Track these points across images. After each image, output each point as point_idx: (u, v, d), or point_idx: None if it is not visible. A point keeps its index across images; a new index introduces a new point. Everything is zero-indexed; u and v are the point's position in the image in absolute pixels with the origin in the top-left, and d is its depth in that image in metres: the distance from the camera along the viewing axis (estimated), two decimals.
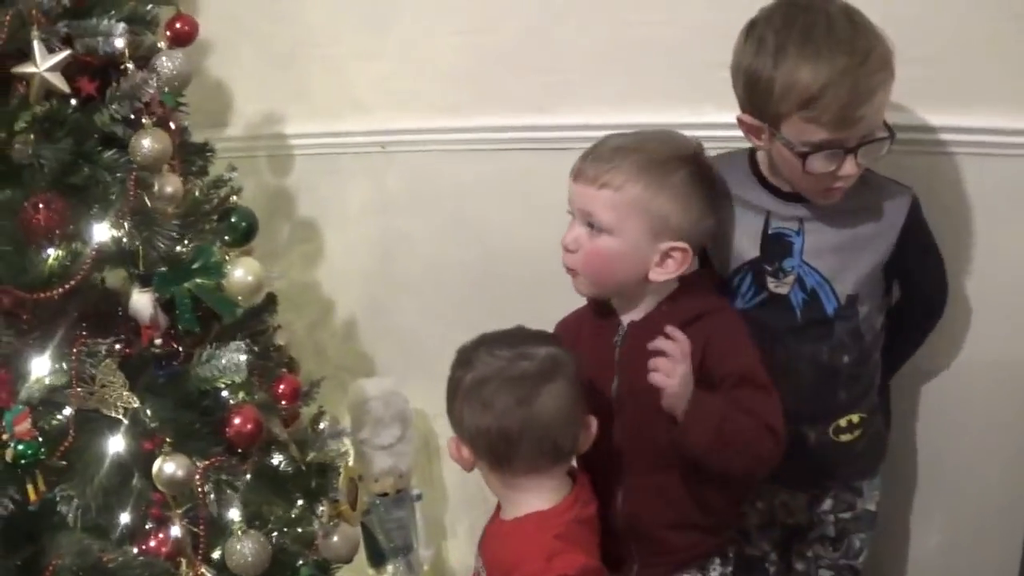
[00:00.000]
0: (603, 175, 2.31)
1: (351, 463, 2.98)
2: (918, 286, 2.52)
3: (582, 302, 2.52)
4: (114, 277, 2.49)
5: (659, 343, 2.26)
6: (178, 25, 2.60)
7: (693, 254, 2.36)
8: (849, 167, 2.24)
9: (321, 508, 2.79)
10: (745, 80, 2.27)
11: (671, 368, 2.22)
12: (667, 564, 2.48)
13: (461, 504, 3.29)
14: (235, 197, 2.65)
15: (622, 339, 2.43)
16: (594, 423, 2.30)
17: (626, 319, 2.44)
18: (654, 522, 2.46)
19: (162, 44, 2.52)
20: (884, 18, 2.21)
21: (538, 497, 2.29)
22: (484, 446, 2.27)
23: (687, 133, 2.43)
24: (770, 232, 2.42)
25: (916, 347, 2.63)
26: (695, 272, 2.44)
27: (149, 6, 2.56)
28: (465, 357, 2.29)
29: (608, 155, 2.34)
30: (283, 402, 2.73)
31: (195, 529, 2.47)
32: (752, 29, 2.26)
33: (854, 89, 2.13)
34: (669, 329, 2.28)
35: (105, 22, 2.39)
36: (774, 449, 2.28)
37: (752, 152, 2.45)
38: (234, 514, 2.53)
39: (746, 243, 2.44)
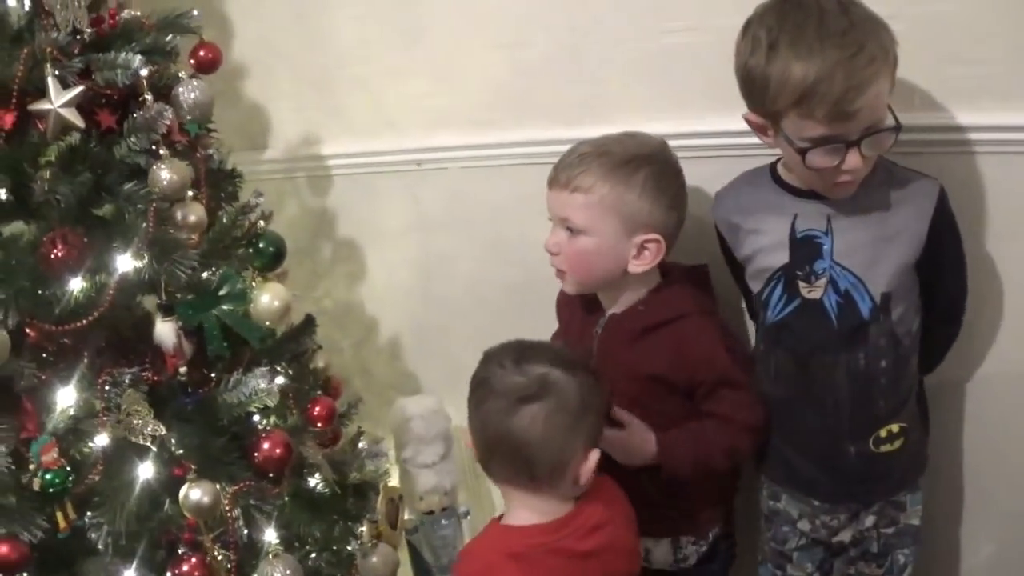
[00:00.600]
0: (573, 180, 2.49)
1: (391, 483, 2.98)
2: (943, 286, 2.48)
3: None
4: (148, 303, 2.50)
5: (608, 434, 2.44)
6: (201, 53, 2.62)
7: (667, 244, 2.52)
8: (853, 160, 2.22)
9: (360, 529, 2.79)
10: (743, 79, 2.29)
11: (623, 452, 2.51)
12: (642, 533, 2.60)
13: None
14: (263, 222, 2.64)
15: (601, 329, 2.64)
16: (594, 456, 2.28)
17: (608, 312, 2.63)
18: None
19: (183, 74, 2.53)
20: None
21: (519, 510, 2.32)
22: (475, 443, 2.35)
23: (721, 142, 2.56)
24: (798, 235, 2.40)
25: (944, 353, 2.59)
26: (679, 271, 2.63)
27: (170, 36, 2.57)
28: (484, 356, 2.37)
29: (576, 161, 2.51)
30: (318, 424, 2.72)
31: (227, 553, 2.48)
32: (747, 28, 2.27)
33: (846, 82, 2.12)
34: (616, 411, 2.49)
35: (123, 55, 2.41)
36: (756, 442, 2.56)
37: (774, 163, 2.46)
38: (270, 536, 2.54)
39: (775, 252, 2.44)
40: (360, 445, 2.91)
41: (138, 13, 2.58)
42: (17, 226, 2.38)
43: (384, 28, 3.00)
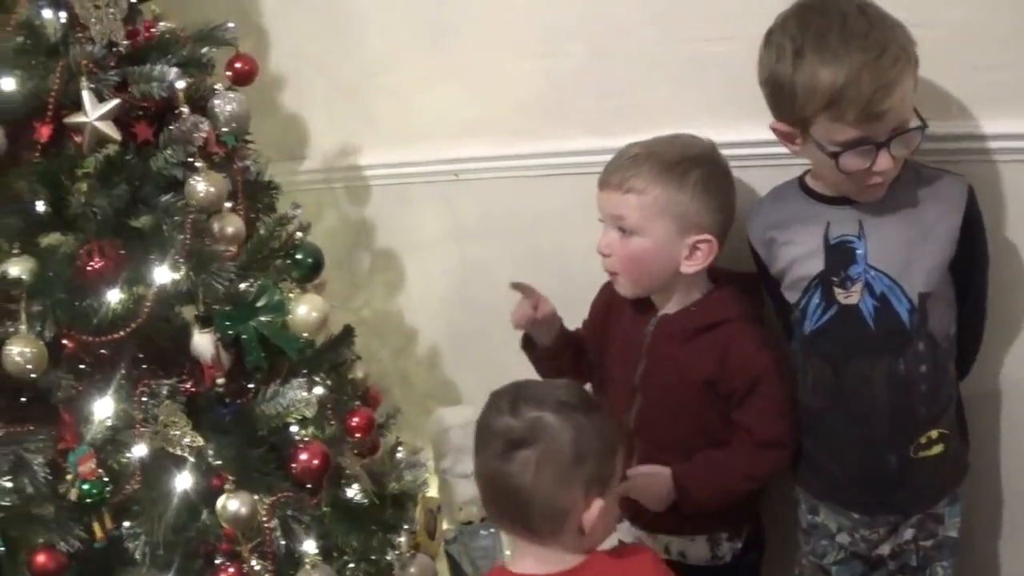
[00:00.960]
0: (626, 181, 2.51)
1: (429, 493, 2.97)
2: (973, 286, 2.46)
3: None
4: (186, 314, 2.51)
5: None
6: (238, 65, 2.63)
7: (718, 245, 2.53)
8: (883, 161, 2.21)
9: (399, 539, 2.78)
10: (769, 88, 2.29)
11: (651, 501, 2.56)
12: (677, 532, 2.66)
13: None
14: (300, 233, 2.65)
15: (653, 328, 2.64)
16: (597, 505, 2.11)
17: (660, 311, 2.64)
18: None
19: (219, 86, 2.54)
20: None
21: (523, 557, 2.19)
22: (477, 486, 2.26)
23: (757, 152, 2.56)
24: (832, 242, 2.39)
25: (974, 355, 2.56)
26: (730, 276, 2.63)
27: (206, 48, 2.58)
28: (489, 396, 2.24)
29: (628, 163, 2.53)
30: (356, 435, 2.72)
31: (265, 564, 2.49)
32: (770, 37, 2.27)
33: (874, 83, 2.12)
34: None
35: (159, 67, 2.42)
36: (778, 458, 2.56)
37: (800, 176, 2.46)
38: (308, 547, 2.53)
39: (810, 260, 2.42)
40: (399, 455, 2.90)
41: (173, 25, 2.59)
42: (55, 238, 2.38)
43: (416, 37, 3.00)
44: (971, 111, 2.39)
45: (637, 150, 2.55)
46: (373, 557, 2.77)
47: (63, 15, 2.40)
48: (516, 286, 2.69)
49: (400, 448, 2.92)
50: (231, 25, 2.61)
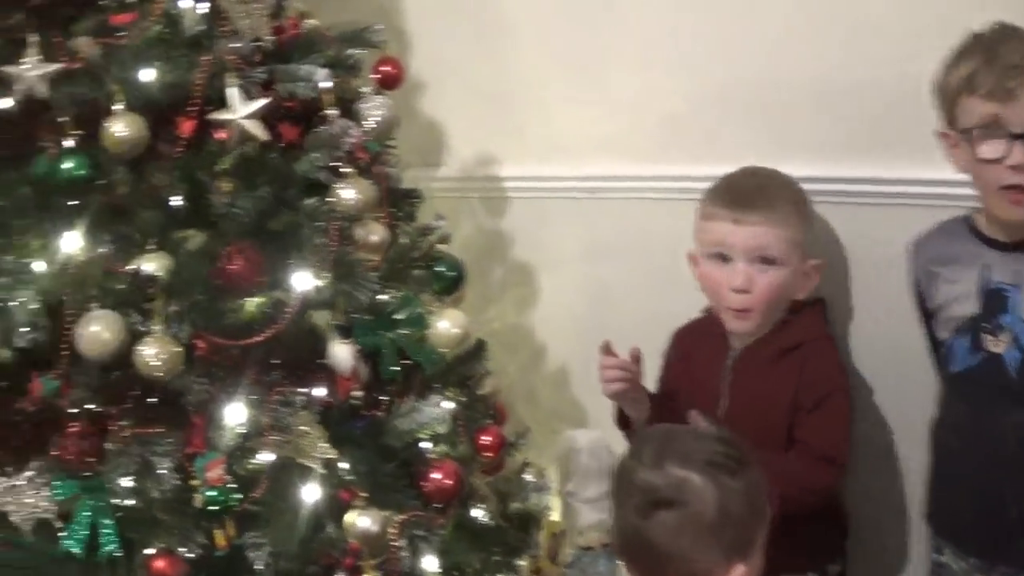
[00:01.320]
0: (771, 214, 2.50)
1: (555, 517, 2.88)
2: None
3: None
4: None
5: None
6: (384, 68, 2.55)
7: None
8: (1019, 154, 2.18)
9: (520, 563, 2.69)
10: (935, 92, 2.31)
11: None
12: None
13: None
14: (442, 245, 2.57)
15: (734, 363, 2.63)
16: (738, 571, 1.97)
17: (739, 344, 2.62)
18: None
19: (366, 89, 2.47)
20: None
21: None
22: (612, 533, 2.14)
23: (895, 190, 2.56)
24: (990, 287, 2.33)
25: None
26: (803, 301, 2.62)
27: (352, 49, 2.51)
28: (633, 440, 2.18)
29: (760, 195, 2.53)
30: (486, 454, 2.63)
31: None
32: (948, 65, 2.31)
33: (1008, 59, 2.17)
34: None
35: (306, 67, 2.35)
36: (834, 476, 2.52)
37: (969, 214, 2.42)
38: (430, 565, 2.45)
39: (966, 302, 2.37)
40: (526, 477, 2.80)
41: (318, 24, 2.52)
42: (193, 236, 2.31)
43: (565, 53, 2.93)
44: None
45: (761, 181, 2.57)
46: None
47: (203, 6, 2.34)
48: (605, 351, 2.63)
49: (528, 469, 2.81)
50: (379, 27, 2.54)
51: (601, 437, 2.99)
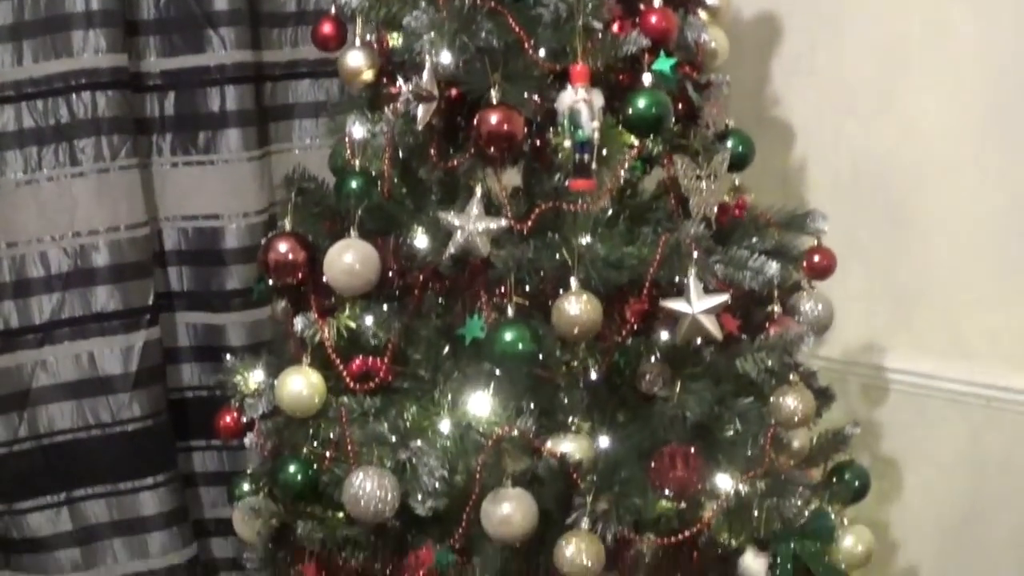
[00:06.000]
0: None
1: None
2: None
3: None
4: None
5: None
6: (816, 259, 2.27)
7: None
8: None
9: None
10: None
11: None
12: None
13: None
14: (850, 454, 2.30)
15: None
16: None
17: None
18: None
19: (805, 283, 2.20)
20: None
21: None
22: None
23: None
24: None
25: None
26: None
27: (791, 234, 2.29)
28: None
29: None
30: None
31: None
32: None
33: None
34: None
35: (757, 257, 2.09)
36: None
37: None
38: None
39: None
40: None
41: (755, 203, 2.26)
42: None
43: (981, 253, 2.62)
44: None
45: None
46: None
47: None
48: None
49: None
50: (825, 215, 2.25)
51: None
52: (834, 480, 2.30)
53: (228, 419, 2.36)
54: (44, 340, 2.59)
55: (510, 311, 1.97)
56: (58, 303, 2.58)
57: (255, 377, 2.30)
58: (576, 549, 1.92)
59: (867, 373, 2.79)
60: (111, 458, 2.63)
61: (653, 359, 2.06)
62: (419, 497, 2.02)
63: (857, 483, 2.30)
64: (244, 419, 2.32)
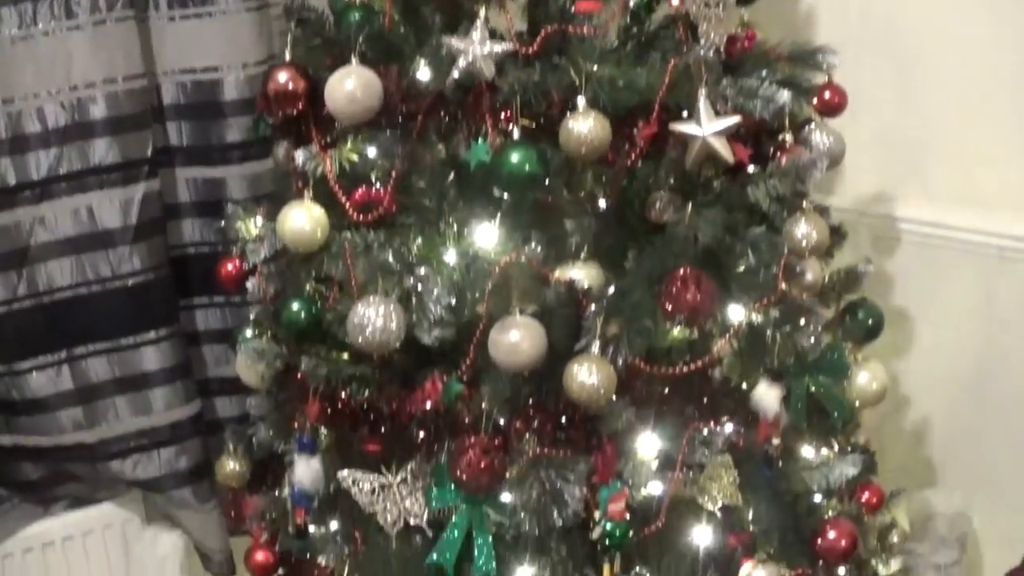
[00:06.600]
0: None
1: None
2: None
3: None
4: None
5: None
6: (827, 95, 2.22)
7: None
8: None
9: None
10: None
11: None
12: None
13: None
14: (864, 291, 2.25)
15: None
16: None
17: None
18: None
19: (815, 115, 2.14)
20: None
21: None
22: None
23: None
24: None
25: None
26: None
27: (803, 69, 2.22)
28: None
29: None
30: (867, 512, 2.31)
31: None
32: None
33: None
34: None
35: (767, 85, 2.04)
36: None
37: None
38: None
39: None
40: (892, 539, 2.44)
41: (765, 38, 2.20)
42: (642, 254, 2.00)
43: (994, 101, 2.57)
44: None
45: None
46: None
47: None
48: None
49: (894, 531, 2.45)
50: (835, 51, 2.18)
51: (963, 508, 2.63)
52: (847, 318, 2.26)
53: (230, 267, 2.33)
54: (42, 196, 2.52)
55: (516, 134, 1.91)
56: (56, 158, 2.51)
57: (256, 223, 2.25)
58: (586, 371, 1.86)
59: (878, 223, 2.74)
60: (112, 314, 2.57)
61: (663, 189, 2.01)
62: (425, 326, 1.96)
63: (871, 321, 2.26)
64: (246, 266, 2.28)
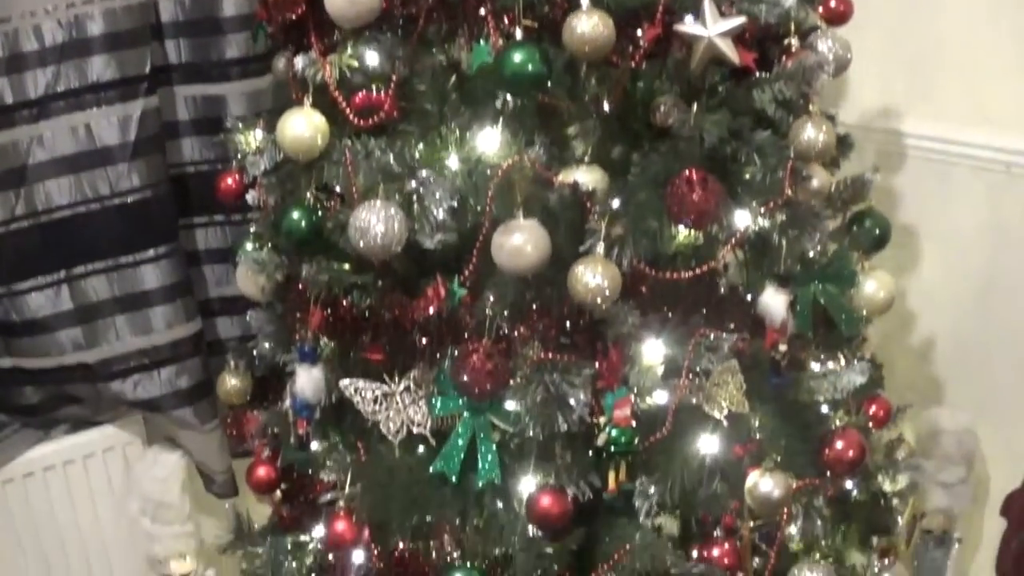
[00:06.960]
0: None
1: (918, 500, 2.52)
2: None
3: None
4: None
5: None
6: (833, 2, 2.19)
7: None
8: None
9: (878, 542, 2.38)
10: None
11: None
12: None
13: (992, 558, 2.75)
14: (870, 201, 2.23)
15: None
16: None
17: None
18: None
19: (821, 23, 2.11)
20: None
21: None
22: None
23: None
24: None
25: None
26: None
27: None
28: None
29: None
30: (874, 425, 2.29)
31: (765, 548, 2.13)
32: None
33: None
34: None
35: None
36: None
37: None
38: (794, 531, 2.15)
39: None
40: (899, 454, 2.42)
41: None
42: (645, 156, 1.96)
43: (995, 23, 2.53)
44: None
45: None
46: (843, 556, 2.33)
47: None
48: None
49: (901, 446, 2.43)
50: None
51: (968, 422, 2.60)
52: (854, 227, 2.23)
53: (230, 181, 2.30)
54: (40, 114, 2.48)
55: (519, 34, 1.87)
56: (53, 76, 2.47)
57: (256, 136, 2.22)
58: (591, 272, 1.83)
59: (885, 139, 2.72)
60: (111, 232, 2.54)
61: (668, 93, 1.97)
62: (427, 231, 1.93)
63: (877, 231, 2.24)
64: (246, 180, 2.25)
